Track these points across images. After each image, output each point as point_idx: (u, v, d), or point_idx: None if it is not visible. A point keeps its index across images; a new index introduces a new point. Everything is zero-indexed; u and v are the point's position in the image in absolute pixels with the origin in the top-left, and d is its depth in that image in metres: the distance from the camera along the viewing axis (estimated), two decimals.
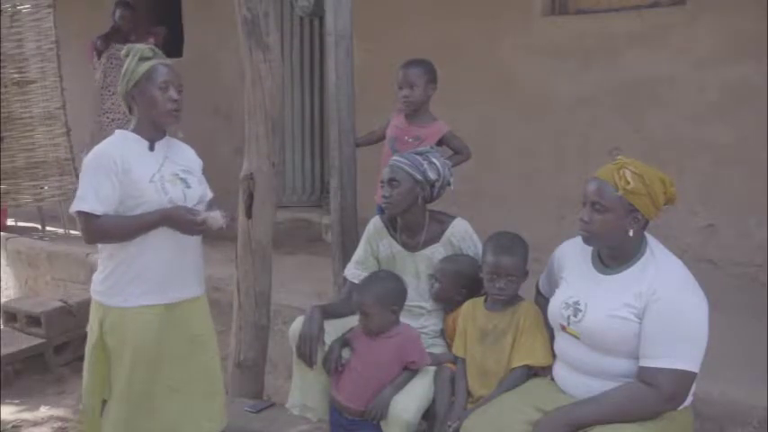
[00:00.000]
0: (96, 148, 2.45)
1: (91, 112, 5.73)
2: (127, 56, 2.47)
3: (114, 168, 2.36)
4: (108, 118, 5.54)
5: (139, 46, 2.49)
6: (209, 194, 2.65)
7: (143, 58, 2.44)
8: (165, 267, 2.46)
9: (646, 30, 4.27)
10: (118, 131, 2.54)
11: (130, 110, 2.50)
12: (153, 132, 2.49)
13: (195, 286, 2.59)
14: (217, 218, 2.43)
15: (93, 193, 2.34)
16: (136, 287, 2.42)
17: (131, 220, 2.39)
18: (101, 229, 2.37)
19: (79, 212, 2.36)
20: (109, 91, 5.53)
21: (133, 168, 2.39)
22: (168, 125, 2.51)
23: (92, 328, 2.49)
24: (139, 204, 2.39)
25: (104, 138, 2.54)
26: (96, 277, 2.50)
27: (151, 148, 2.48)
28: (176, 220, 2.40)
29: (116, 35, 5.58)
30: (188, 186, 2.50)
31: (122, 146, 2.44)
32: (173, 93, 2.43)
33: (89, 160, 2.41)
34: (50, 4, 5.52)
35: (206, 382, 2.58)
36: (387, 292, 2.60)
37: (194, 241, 2.54)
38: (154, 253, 2.43)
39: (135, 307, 2.41)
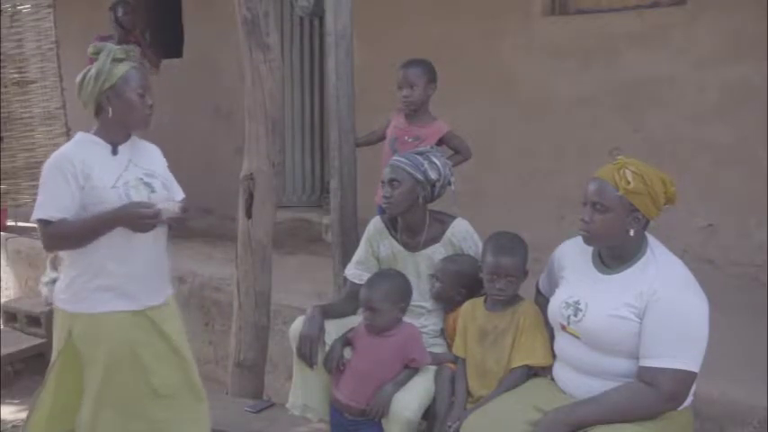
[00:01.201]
0: (57, 152, 2.39)
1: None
2: (96, 54, 2.40)
3: (73, 173, 2.30)
4: None
5: (111, 46, 2.43)
6: (180, 195, 2.58)
7: (117, 59, 2.39)
8: (131, 275, 2.39)
9: (646, 30, 4.27)
10: (79, 133, 2.47)
11: (98, 111, 2.41)
12: (117, 135, 2.44)
13: (164, 290, 2.54)
14: (170, 207, 2.35)
15: (51, 200, 2.30)
16: (102, 294, 2.36)
17: (82, 221, 2.32)
18: (56, 234, 2.32)
19: (37, 220, 2.32)
20: None
21: (94, 174, 2.33)
22: (141, 129, 2.47)
23: (58, 338, 2.43)
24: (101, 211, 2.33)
25: None
26: (59, 286, 2.45)
27: (114, 152, 2.42)
28: (128, 218, 2.31)
29: (127, 36, 5.54)
30: (153, 191, 2.42)
31: (83, 150, 2.38)
32: (148, 98, 2.42)
33: (49, 165, 2.34)
34: (50, 4, 5.52)
35: (188, 386, 2.54)
36: (396, 290, 2.61)
37: (158, 245, 2.48)
38: (117, 261, 2.36)
39: (103, 312, 2.37)
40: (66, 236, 2.34)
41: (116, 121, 2.40)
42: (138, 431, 2.44)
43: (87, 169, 2.33)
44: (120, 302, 2.39)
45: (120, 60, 2.40)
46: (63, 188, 2.31)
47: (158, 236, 2.46)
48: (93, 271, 2.37)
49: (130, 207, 2.32)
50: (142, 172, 2.45)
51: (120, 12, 5.53)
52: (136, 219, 2.31)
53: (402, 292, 2.63)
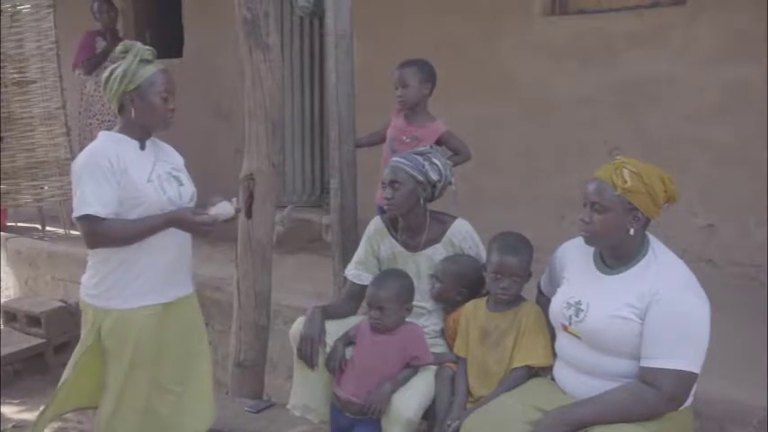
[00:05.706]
0: (88, 150, 2.40)
1: (79, 115, 5.63)
2: (124, 53, 2.42)
3: (111, 168, 2.32)
4: (97, 120, 5.48)
5: (140, 46, 2.45)
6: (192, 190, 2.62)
7: (144, 61, 2.41)
8: (164, 267, 2.44)
9: (646, 30, 4.27)
10: (102, 133, 2.51)
11: (121, 109, 2.45)
12: (141, 133, 2.48)
13: (190, 282, 2.60)
14: (225, 208, 2.42)
15: (95, 196, 2.29)
16: (136, 288, 2.40)
17: (137, 224, 2.35)
18: (105, 233, 2.32)
19: (82, 217, 2.31)
20: (100, 92, 5.47)
21: (130, 168, 2.36)
22: (160, 130, 2.51)
23: (86, 333, 2.45)
24: (138, 204, 2.36)
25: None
26: (88, 281, 2.46)
27: (142, 148, 2.47)
28: (183, 223, 2.40)
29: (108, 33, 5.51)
30: (181, 184, 2.50)
31: (114, 146, 2.40)
32: (171, 102, 2.45)
33: (84, 163, 2.35)
34: (50, 4, 5.52)
35: (198, 380, 2.58)
36: (405, 290, 2.62)
37: (188, 238, 2.53)
38: (153, 254, 2.40)
39: (136, 308, 2.40)
40: (115, 234, 2.34)
41: (137, 121, 2.44)
42: (149, 427, 2.46)
43: (123, 164, 2.35)
44: (153, 296, 2.42)
45: (148, 62, 2.42)
46: (103, 184, 2.31)
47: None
48: (127, 265, 2.39)
49: (185, 213, 2.40)
50: (169, 166, 2.51)
51: (95, 6, 5.50)
52: (191, 225, 2.39)
53: (409, 292, 2.64)
